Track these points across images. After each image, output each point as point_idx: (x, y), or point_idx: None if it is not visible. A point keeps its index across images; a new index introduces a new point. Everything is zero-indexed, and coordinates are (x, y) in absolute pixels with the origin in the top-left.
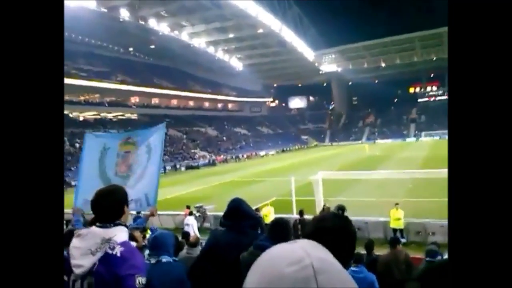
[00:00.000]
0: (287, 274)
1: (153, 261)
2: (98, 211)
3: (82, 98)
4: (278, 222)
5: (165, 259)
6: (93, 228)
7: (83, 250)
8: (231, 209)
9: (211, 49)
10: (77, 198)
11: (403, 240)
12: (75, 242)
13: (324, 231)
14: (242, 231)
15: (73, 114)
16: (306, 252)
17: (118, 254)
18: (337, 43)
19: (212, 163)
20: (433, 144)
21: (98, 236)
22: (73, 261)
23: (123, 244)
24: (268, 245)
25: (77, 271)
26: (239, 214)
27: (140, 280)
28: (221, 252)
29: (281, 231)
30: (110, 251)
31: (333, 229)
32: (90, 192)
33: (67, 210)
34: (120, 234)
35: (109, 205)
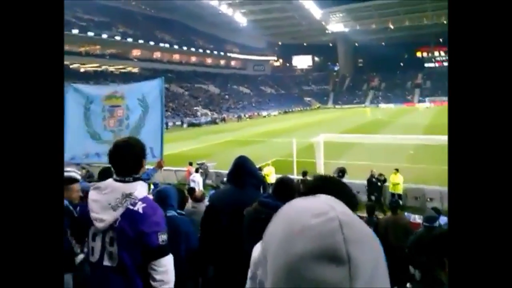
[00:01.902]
0: (312, 225)
1: None
2: (117, 164)
3: (82, 49)
4: (283, 180)
5: (169, 213)
6: (112, 181)
7: (103, 204)
8: (236, 166)
9: (214, 2)
10: (64, 153)
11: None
12: (93, 195)
13: (322, 189)
14: (245, 188)
15: (74, 66)
16: (331, 205)
17: (140, 210)
18: (346, 2)
19: (213, 121)
20: (436, 111)
21: (118, 191)
22: (93, 215)
23: (144, 199)
24: (272, 202)
25: (99, 225)
26: (243, 171)
27: (162, 236)
28: (225, 208)
29: (286, 189)
30: (131, 207)
31: (331, 188)
32: (76, 147)
33: None
34: (140, 189)
35: (129, 158)
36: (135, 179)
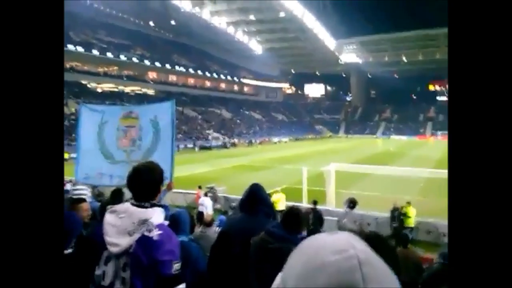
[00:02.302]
0: (331, 263)
1: None
2: (136, 188)
3: (100, 69)
4: (293, 211)
5: (181, 238)
6: (129, 206)
7: (120, 229)
8: (250, 194)
9: (230, 30)
10: (77, 173)
11: (410, 236)
12: (109, 219)
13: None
14: (258, 216)
15: (91, 85)
16: (350, 242)
17: (156, 238)
18: (360, 34)
19: (224, 146)
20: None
21: (135, 216)
22: (108, 239)
23: (160, 226)
24: (280, 231)
25: (114, 249)
26: (257, 199)
27: (176, 265)
28: (237, 235)
29: (295, 221)
30: (147, 234)
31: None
32: (90, 166)
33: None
34: (157, 215)
35: (149, 183)
36: (152, 205)
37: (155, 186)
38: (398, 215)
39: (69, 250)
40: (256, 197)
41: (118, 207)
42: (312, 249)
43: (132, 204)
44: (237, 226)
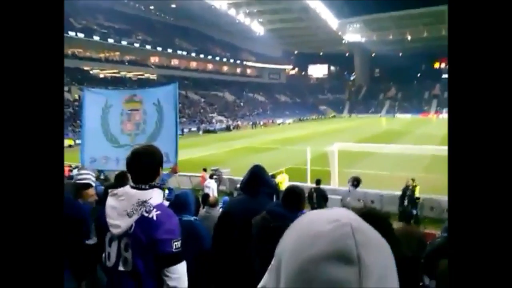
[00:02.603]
0: (326, 231)
1: None
2: (135, 171)
3: (102, 55)
4: (292, 190)
5: (186, 217)
6: (129, 189)
7: (119, 210)
8: (251, 175)
9: (232, 12)
10: (83, 157)
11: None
12: (111, 201)
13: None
14: (259, 197)
15: (93, 71)
16: (344, 213)
17: (154, 218)
18: (363, 13)
19: (228, 128)
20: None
21: (134, 198)
22: (110, 221)
23: (158, 207)
24: (281, 210)
25: (115, 231)
26: (258, 181)
27: (177, 244)
28: (238, 216)
29: (295, 199)
30: (146, 214)
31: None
32: (96, 150)
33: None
34: (155, 196)
35: (147, 166)
36: (151, 187)
37: (154, 168)
38: (410, 194)
39: (92, 241)
40: (257, 178)
41: (119, 190)
42: (306, 221)
43: (131, 187)
44: (238, 207)
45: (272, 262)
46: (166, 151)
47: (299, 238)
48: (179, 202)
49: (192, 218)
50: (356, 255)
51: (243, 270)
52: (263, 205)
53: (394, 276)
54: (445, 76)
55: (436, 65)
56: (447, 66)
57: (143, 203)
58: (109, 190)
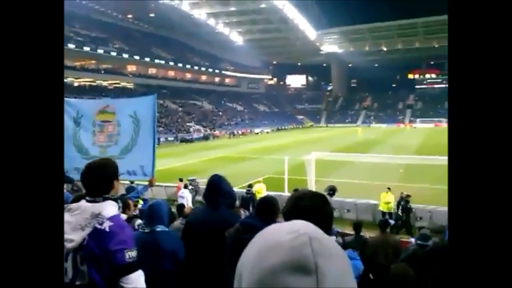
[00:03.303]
0: (284, 241)
1: (147, 230)
2: (88, 185)
3: (77, 63)
4: (265, 200)
5: (159, 228)
6: (83, 203)
7: (74, 225)
8: (210, 186)
9: (211, 21)
10: None
11: (391, 222)
12: (66, 216)
13: (301, 209)
14: (218, 208)
15: (68, 80)
16: (303, 225)
17: (107, 229)
18: (340, 24)
19: (205, 138)
20: (427, 132)
21: (88, 211)
22: (65, 236)
23: (111, 218)
24: (254, 222)
25: (68, 245)
26: (217, 191)
27: (130, 254)
28: (196, 228)
29: (268, 210)
30: (98, 226)
31: (310, 208)
32: (67, 161)
33: None
34: (109, 208)
35: (100, 180)
36: (104, 199)
37: (107, 181)
38: (404, 205)
39: None
40: (214, 189)
41: (73, 205)
42: (268, 233)
43: (86, 200)
44: (198, 218)
45: (235, 277)
46: (142, 164)
47: (259, 249)
48: (152, 213)
49: (166, 229)
50: (314, 263)
51: (212, 281)
52: (223, 216)
53: (351, 283)
54: (419, 86)
55: (410, 76)
56: (420, 77)
57: (97, 216)
58: (65, 206)
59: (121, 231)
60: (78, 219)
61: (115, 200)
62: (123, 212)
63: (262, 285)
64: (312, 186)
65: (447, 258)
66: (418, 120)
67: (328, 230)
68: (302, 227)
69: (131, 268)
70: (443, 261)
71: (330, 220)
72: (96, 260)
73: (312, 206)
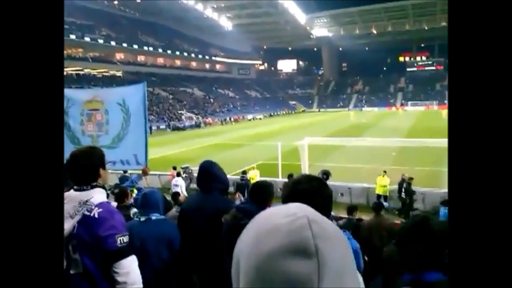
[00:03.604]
0: (282, 224)
1: (142, 219)
2: (73, 173)
3: (64, 52)
4: (258, 185)
5: (154, 216)
6: (71, 192)
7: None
8: (202, 172)
9: (199, 6)
10: None
11: (385, 204)
12: None
13: (300, 193)
14: (211, 193)
15: None
16: (300, 207)
17: (96, 215)
18: (330, 7)
19: (197, 125)
20: (418, 114)
21: (76, 199)
22: None
23: (100, 205)
24: (249, 207)
25: None
26: (209, 177)
27: (122, 239)
28: (190, 214)
29: (262, 193)
30: (87, 213)
31: (308, 191)
32: None
33: None
34: (97, 195)
35: (84, 168)
36: (92, 187)
37: (92, 170)
38: (406, 187)
39: None
40: (207, 174)
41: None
42: (264, 217)
43: (74, 189)
44: (192, 204)
45: (232, 264)
46: (135, 153)
47: (256, 234)
48: (146, 201)
49: (162, 217)
50: (314, 246)
51: (208, 267)
52: (217, 201)
53: (352, 267)
54: (410, 69)
55: (401, 59)
56: (411, 59)
57: (85, 203)
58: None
59: (111, 216)
60: (67, 208)
61: (103, 187)
62: (122, 201)
63: (261, 271)
64: (305, 171)
65: (428, 233)
66: (409, 103)
67: (328, 214)
68: (299, 209)
69: (123, 253)
70: (424, 237)
71: (329, 203)
72: (88, 247)
73: (310, 189)
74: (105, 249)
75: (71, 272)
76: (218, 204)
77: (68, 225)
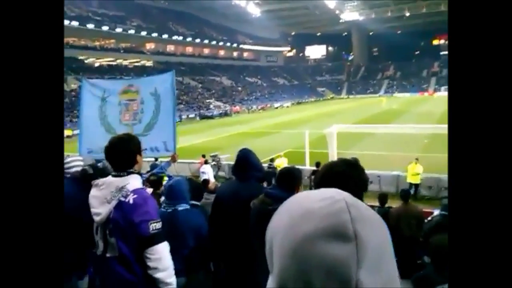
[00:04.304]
0: (319, 207)
1: (169, 210)
2: (111, 159)
3: (97, 43)
4: (286, 171)
5: (181, 207)
6: (109, 177)
7: (100, 199)
8: (239, 160)
9: None
10: (81, 147)
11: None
12: (93, 191)
13: (334, 175)
14: (248, 181)
15: (88, 60)
16: (337, 191)
17: (131, 201)
18: None
19: (226, 114)
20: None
21: (113, 185)
22: (93, 210)
23: (135, 191)
24: (278, 192)
25: (97, 219)
26: (246, 165)
27: (154, 225)
28: (226, 201)
29: (290, 179)
30: (123, 199)
31: (343, 174)
32: (93, 141)
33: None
34: (133, 182)
35: (121, 154)
36: (128, 173)
37: (130, 155)
38: None
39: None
40: (245, 162)
41: (100, 180)
42: (297, 200)
43: (112, 176)
44: (227, 191)
45: (266, 246)
46: (164, 140)
47: (291, 218)
48: (172, 192)
49: (188, 206)
50: (353, 230)
51: (240, 254)
52: (253, 188)
53: (390, 252)
54: (444, 52)
55: (435, 42)
56: (446, 42)
57: (121, 189)
58: (92, 181)
59: (145, 203)
60: (104, 193)
61: (139, 174)
62: (157, 188)
63: (296, 254)
64: (333, 159)
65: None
66: (442, 88)
67: (361, 196)
68: (336, 193)
69: (155, 239)
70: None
71: (364, 187)
72: (122, 232)
73: (346, 172)
74: (139, 235)
75: (107, 255)
76: (255, 192)
77: (105, 210)
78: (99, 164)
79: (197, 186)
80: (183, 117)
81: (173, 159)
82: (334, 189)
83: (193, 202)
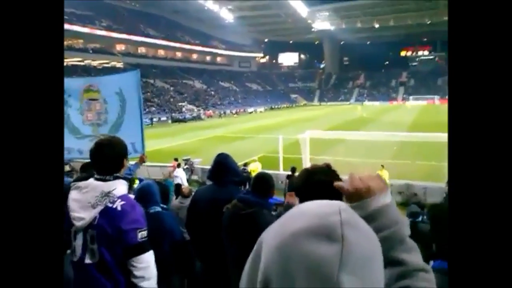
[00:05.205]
0: (312, 209)
1: None
2: (98, 163)
3: (64, 43)
4: (261, 176)
5: (153, 209)
6: (92, 181)
7: (83, 203)
8: (217, 164)
9: None
10: None
11: None
12: (74, 194)
13: (315, 184)
14: (226, 186)
15: None
16: (334, 202)
17: (119, 208)
18: (332, 1)
19: (199, 117)
20: (420, 109)
21: (98, 189)
22: (73, 214)
23: (123, 197)
24: (250, 197)
25: (78, 223)
26: (224, 169)
27: (142, 233)
28: (202, 206)
29: (264, 185)
30: (110, 205)
31: (324, 183)
32: None
33: None
34: (120, 187)
35: (110, 157)
36: (115, 178)
37: (117, 160)
38: None
39: None
40: (223, 167)
41: (82, 183)
42: (296, 207)
43: (95, 179)
44: (205, 195)
45: (254, 248)
46: (132, 141)
47: (283, 218)
48: (143, 194)
49: (160, 209)
50: (340, 233)
51: (217, 259)
52: (231, 193)
53: (378, 264)
54: (412, 63)
55: (403, 53)
56: (413, 54)
57: (107, 194)
58: (71, 184)
59: (133, 210)
60: (88, 197)
61: (124, 179)
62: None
63: (282, 249)
64: (306, 164)
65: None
66: (411, 97)
67: None
68: (333, 202)
69: (143, 247)
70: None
71: (341, 194)
72: (108, 239)
73: (327, 181)
74: (126, 243)
75: (86, 262)
76: (233, 197)
77: (89, 214)
78: (66, 166)
79: (164, 189)
80: (155, 120)
81: (142, 160)
82: (337, 201)
83: (162, 205)
